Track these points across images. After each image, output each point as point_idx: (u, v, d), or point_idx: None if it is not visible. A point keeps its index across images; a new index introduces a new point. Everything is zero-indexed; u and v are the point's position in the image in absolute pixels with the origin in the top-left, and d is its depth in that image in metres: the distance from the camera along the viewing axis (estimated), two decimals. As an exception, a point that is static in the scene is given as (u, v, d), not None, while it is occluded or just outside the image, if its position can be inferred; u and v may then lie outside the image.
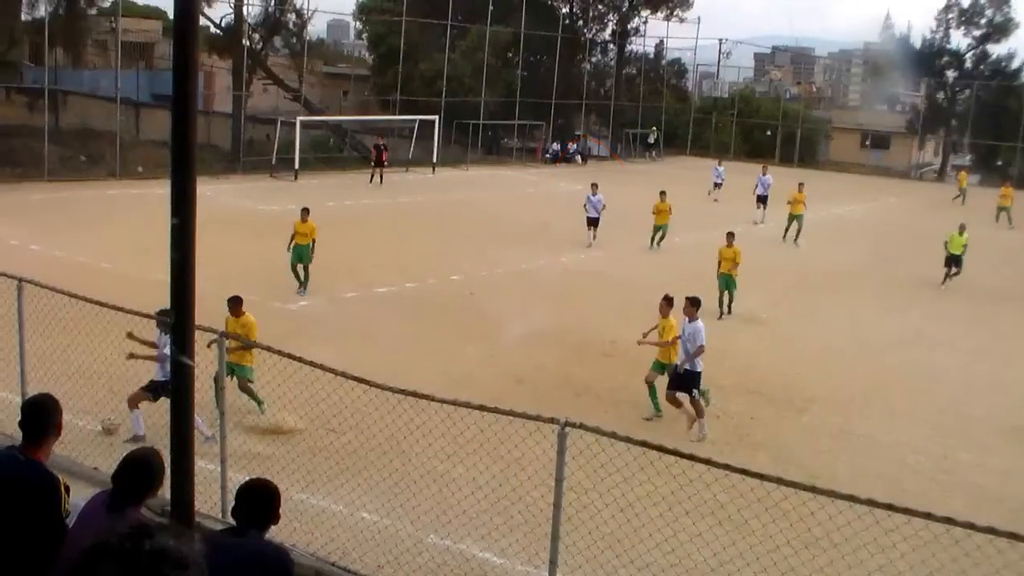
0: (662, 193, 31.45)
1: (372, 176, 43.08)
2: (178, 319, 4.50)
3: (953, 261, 28.02)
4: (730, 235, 23.33)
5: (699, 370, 15.14)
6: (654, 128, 66.14)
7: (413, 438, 11.39)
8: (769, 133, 69.47)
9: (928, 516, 6.73)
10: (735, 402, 16.56)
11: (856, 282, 27.88)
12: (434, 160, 50.10)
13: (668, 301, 16.34)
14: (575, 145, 62.59)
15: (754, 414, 16.05)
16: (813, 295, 26.01)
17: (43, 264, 22.66)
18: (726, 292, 22.70)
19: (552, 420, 7.72)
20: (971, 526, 6.60)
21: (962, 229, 28.32)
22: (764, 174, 38.88)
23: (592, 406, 15.50)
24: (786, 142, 68.00)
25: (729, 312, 22.56)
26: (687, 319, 15.38)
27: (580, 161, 60.11)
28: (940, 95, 67.89)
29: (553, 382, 16.99)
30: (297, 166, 43.38)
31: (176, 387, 4.67)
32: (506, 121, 59.61)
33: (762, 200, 38.52)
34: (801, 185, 34.83)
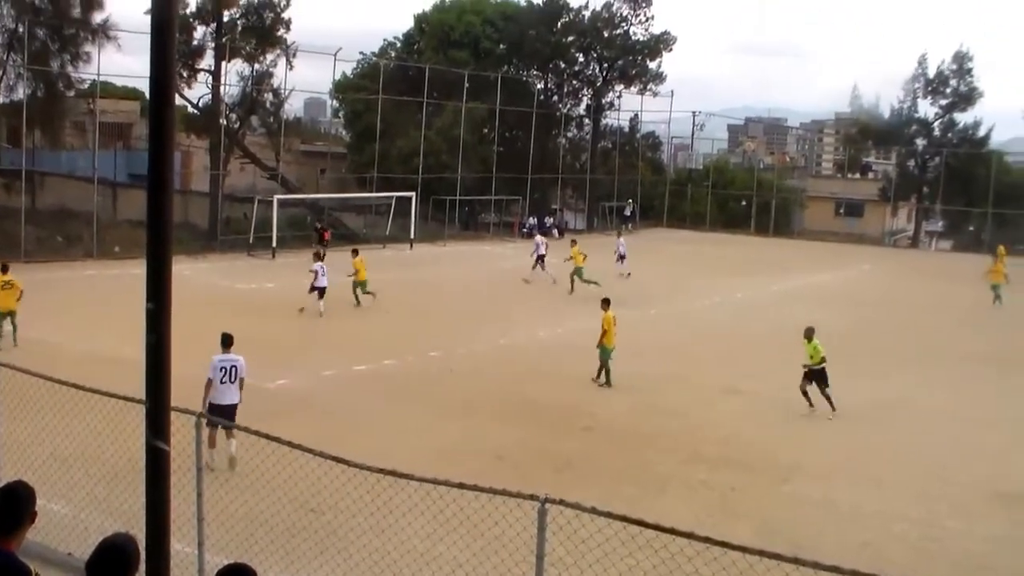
0: (573, 241, 38.19)
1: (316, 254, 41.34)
2: (154, 402, 4.48)
3: (816, 377, 21.09)
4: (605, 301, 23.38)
5: None
6: (630, 200, 66.69)
7: (393, 517, 11.28)
8: (744, 203, 70.17)
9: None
10: (716, 473, 16.49)
11: (834, 349, 27.85)
12: (412, 236, 50.34)
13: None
14: (551, 219, 62.98)
15: (735, 485, 15.98)
16: (789, 363, 25.98)
17: (18, 346, 22.55)
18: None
19: (532, 497, 7.69)
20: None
21: (809, 334, 21.46)
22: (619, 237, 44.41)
23: (573, 481, 15.41)
24: (761, 211, 68.64)
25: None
26: None
27: (557, 235, 60.40)
28: (911, 163, 68.82)
29: (534, 458, 16.89)
30: (275, 244, 43.46)
31: (152, 472, 4.63)
32: (483, 196, 60.03)
33: (622, 257, 42.32)
34: (573, 241, 38.79)
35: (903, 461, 17.88)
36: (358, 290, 31.59)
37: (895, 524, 14.57)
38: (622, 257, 42.53)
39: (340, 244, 47.01)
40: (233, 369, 15.48)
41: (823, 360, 20.96)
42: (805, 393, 20.91)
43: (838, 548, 12.66)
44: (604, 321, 22.70)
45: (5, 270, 24.43)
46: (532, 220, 61.36)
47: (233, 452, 14.84)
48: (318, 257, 31.41)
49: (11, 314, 23.65)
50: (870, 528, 14.36)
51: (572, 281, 36.15)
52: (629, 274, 40.57)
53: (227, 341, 15.91)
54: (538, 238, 41.29)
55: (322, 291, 30.02)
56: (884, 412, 21.32)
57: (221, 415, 14.67)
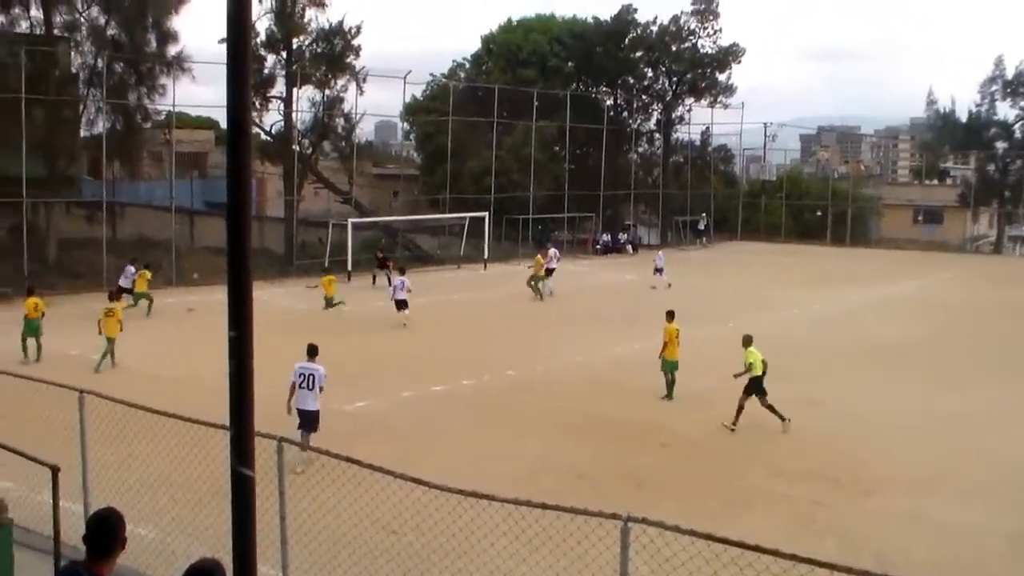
0: (542, 252, 41.08)
1: (374, 278, 42.19)
2: (238, 429, 4.52)
3: (755, 388, 19.88)
4: (670, 313, 23.01)
5: None
6: (703, 214, 66.21)
7: (475, 538, 11.27)
8: (819, 213, 69.35)
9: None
10: (798, 487, 16.25)
11: (915, 359, 27.45)
12: (485, 256, 50.47)
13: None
14: (625, 235, 62.80)
15: (818, 499, 15.72)
16: (871, 374, 25.61)
17: (104, 373, 23.04)
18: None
19: (614, 516, 7.64)
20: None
21: (747, 342, 20.47)
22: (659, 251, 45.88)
23: (654, 498, 15.28)
24: (837, 221, 67.77)
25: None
26: None
27: (631, 251, 60.21)
28: (991, 167, 67.48)
29: (614, 475, 16.79)
30: (350, 267, 43.84)
31: (237, 498, 4.67)
32: (555, 214, 60.01)
33: (659, 270, 42.94)
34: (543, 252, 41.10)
35: (990, 473, 17.43)
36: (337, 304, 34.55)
37: (987, 539, 14.20)
38: (659, 270, 42.99)
39: (416, 265, 47.39)
40: (312, 377, 16.48)
41: (765, 370, 19.84)
42: (741, 408, 19.56)
43: (928, 563, 12.38)
44: (666, 333, 22.53)
45: (111, 298, 25.93)
46: (606, 237, 61.24)
47: (299, 461, 15.13)
48: (400, 272, 33.75)
49: (110, 341, 24.51)
50: (959, 543, 14.02)
51: (533, 287, 39.05)
52: (669, 285, 40.99)
53: (312, 351, 17.08)
54: (552, 251, 42.61)
55: (401, 303, 31.58)
56: (971, 422, 20.86)
57: (303, 419, 16.36)
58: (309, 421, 16.52)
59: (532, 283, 39.30)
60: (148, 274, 33.33)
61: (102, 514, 5.77)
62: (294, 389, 16.55)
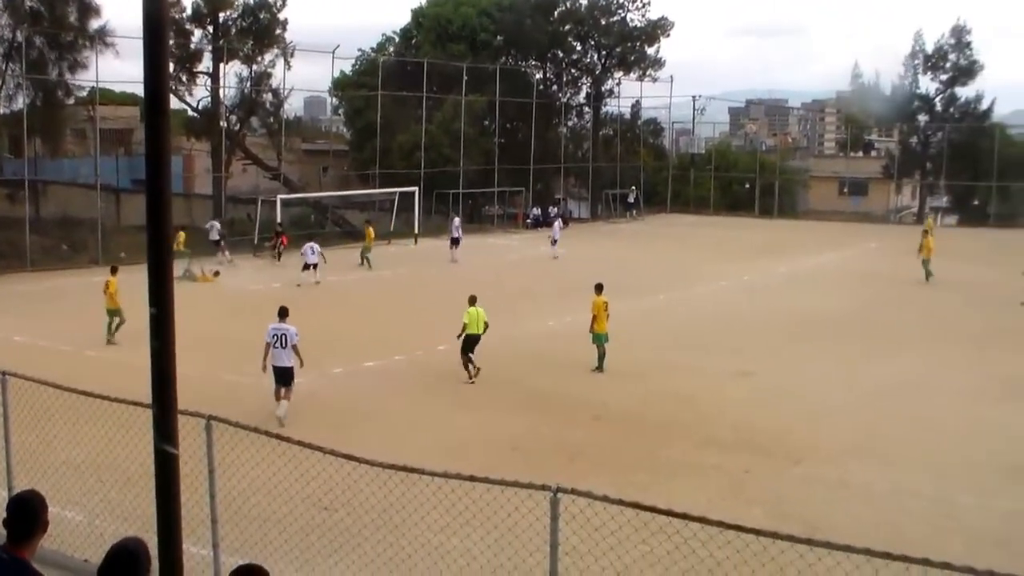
0: (367, 222, 43.72)
1: (279, 255, 41.83)
2: (160, 407, 4.49)
3: (472, 344, 21.60)
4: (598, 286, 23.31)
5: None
6: (633, 188, 66.52)
7: (406, 512, 11.31)
8: (747, 186, 70.05)
9: (926, 562, 6.66)
10: (728, 457, 16.49)
11: (842, 330, 27.92)
12: (416, 231, 50.32)
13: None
14: (555, 209, 62.94)
15: (748, 468, 15.97)
16: (799, 345, 26.02)
17: (28, 354, 22.59)
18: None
19: (544, 487, 7.70)
20: (971, 570, 6.53)
21: (472, 301, 22.13)
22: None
23: (586, 470, 15.42)
24: (765, 194, 68.49)
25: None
26: None
27: (561, 225, 60.33)
28: (913, 139, 68.63)
29: (547, 448, 16.91)
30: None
31: (161, 476, 4.65)
32: (486, 189, 60.01)
33: (455, 242, 43.52)
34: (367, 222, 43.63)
35: (915, 440, 17.86)
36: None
37: (909, 502, 14.56)
38: (555, 241, 44.70)
39: (346, 241, 47.11)
40: (284, 336, 18.14)
41: (486, 327, 21.79)
42: (468, 363, 21.49)
43: (853, 528, 12.64)
44: (594, 306, 22.72)
45: (114, 272, 25.85)
46: (536, 211, 61.32)
47: (281, 414, 17.57)
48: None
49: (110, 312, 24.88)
50: (884, 507, 14.35)
51: (363, 259, 40.63)
52: (556, 257, 43.23)
53: (283, 313, 18.76)
54: (455, 221, 44.60)
55: (311, 266, 35.40)
56: (895, 392, 21.30)
57: (280, 376, 18.18)
58: (285, 377, 18.16)
59: (364, 256, 40.68)
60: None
61: (23, 496, 5.68)
62: (268, 348, 18.11)
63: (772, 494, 14.86)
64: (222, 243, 41.07)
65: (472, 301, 22.10)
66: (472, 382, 21.17)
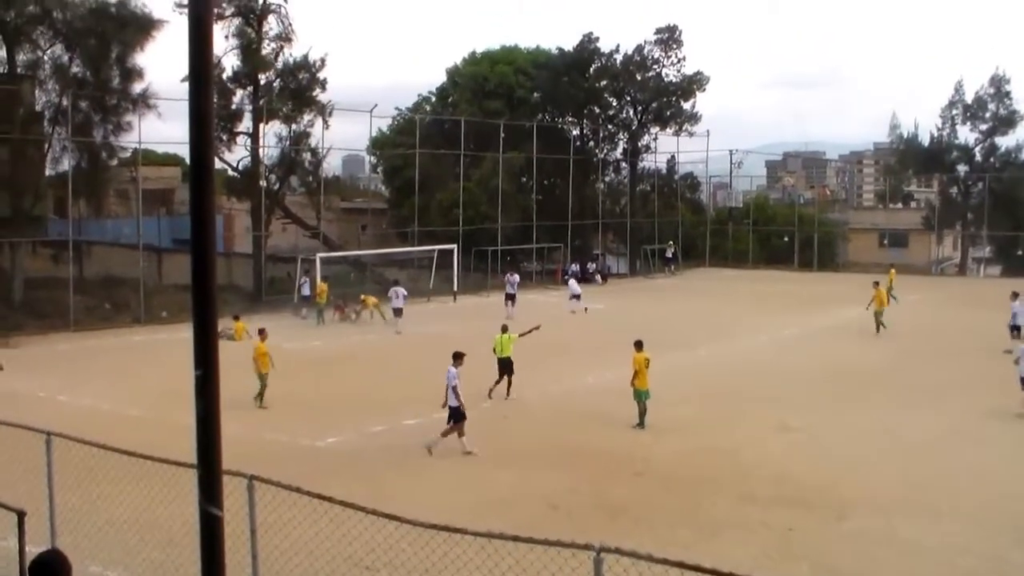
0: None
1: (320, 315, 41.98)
2: (205, 468, 4.49)
3: (507, 368, 25.14)
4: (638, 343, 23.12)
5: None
6: (671, 242, 66.43)
7: (448, 572, 11.20)
8: (786, 239, 69.74)
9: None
10: (772, 513, 16.27)
11: (884, 382, 27.60)
12: (454, 288, 50.42)
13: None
14: (593, 264, 62.92)
15: (792, 524, 15.74)
16: (841, 398, 25.71)
17: (71, 414, 22.78)
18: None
19: (587, 546, 7.61)
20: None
21: (504, 329, 25.84)
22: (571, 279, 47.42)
23: (628, 527, 15.27)
24: (804, 246, 68.16)
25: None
26: None
27: (600, 280, 60.28)
28: (953, 190, 68.23)
29: (588, 505, 16.77)
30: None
31: (206, 537, 4.64)
32: (524, 245, 60.09)
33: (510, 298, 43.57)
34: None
35: (962, 493, 17.53)
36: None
37: (959, 559, 14.26)
38: (576, 296, 44.28)
39: (385, 298, 47.21)
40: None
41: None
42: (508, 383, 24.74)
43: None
44: (635, 362, 22.59)
45: (262, 334, 25.65)
46: (574, 267, 61.33)
47: (461, 448, 19.97)
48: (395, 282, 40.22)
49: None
50: (934, 564, 14.08)
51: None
52: (586, 309, 43.25)
53: (457, 356, 21.17)
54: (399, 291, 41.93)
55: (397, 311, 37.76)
56: (939, 444, 21.01)
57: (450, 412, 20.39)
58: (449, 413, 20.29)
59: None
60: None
61: (43, 558, 5.61)
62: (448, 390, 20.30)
63: (818, 550, 14.62)
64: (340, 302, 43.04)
65: (504, 329, 25.40)
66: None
